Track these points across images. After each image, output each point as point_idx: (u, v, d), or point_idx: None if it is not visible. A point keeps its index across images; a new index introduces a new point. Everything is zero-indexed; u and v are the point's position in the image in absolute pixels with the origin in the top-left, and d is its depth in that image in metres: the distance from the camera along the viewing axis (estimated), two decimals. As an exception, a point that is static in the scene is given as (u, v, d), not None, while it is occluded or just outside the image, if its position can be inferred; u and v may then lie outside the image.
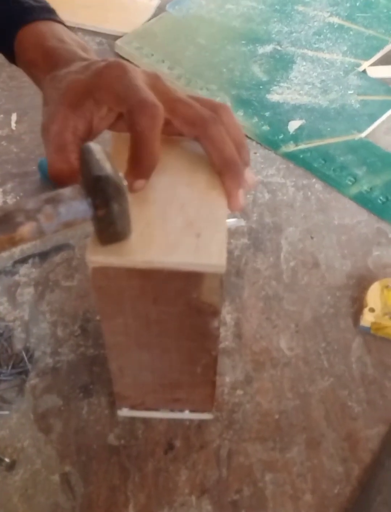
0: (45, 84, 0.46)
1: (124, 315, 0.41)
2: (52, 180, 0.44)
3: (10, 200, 0.67)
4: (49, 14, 0.51)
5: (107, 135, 0.51)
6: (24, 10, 0.50)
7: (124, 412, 0.51)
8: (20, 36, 0.49)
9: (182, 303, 0.39)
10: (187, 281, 0.37)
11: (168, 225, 0.38)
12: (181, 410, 0.51)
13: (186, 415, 0.51)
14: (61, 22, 0.51)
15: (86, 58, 0.46)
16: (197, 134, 0.42)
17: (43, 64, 0.47)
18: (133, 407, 0.50)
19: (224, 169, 0.41)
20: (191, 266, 0.36)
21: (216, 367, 0.45)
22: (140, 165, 0.40)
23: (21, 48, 0.50)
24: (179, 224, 0.39)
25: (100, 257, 0.36)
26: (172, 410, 0.51)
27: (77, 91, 0.43)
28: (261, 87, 0.82)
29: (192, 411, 0.51)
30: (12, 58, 0.52)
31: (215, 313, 0.40)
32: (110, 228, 0.36)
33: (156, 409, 0.51)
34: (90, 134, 0.44)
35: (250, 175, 0.44)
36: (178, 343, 0.43)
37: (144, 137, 0.40)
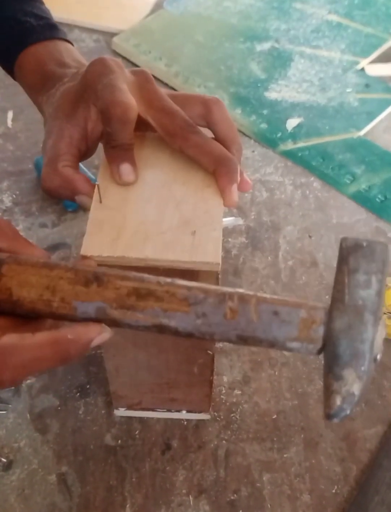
0: (43, 106, 0.46)
1: None
2: (46, 194, 0.45)
3: (6, 199, 0.67)
4: (51, 32, 0.50)
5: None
6: (25, 32, 0.49)
7: (121, 412, 0.51)
8: (20, 60, 0.49)
9: None
10: (183, 279, 0.37)
11: (164, 223, 0.38)
12: (178, 410, 0.50)
13: (183, 415, 0.51)
14: (63, 39, 0.50)
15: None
16: (179, 144, 0.41)
17: (41, 88, 0.47)
18: (129, 407, 0.50)
19: (217, 168, 0.41)
20: (187, 264, 0.36)
21: (213, 367, 0.45)
22: (110, 153, 0.41)
23: (21, 73, 0.50)
24: (175, 222, 0.39)
25: (95, 253, 0.36)
26: (169, 410, 0.50)
27: (69, 98, 0.43)
28: (259, 84, 0.82)
29: (189, 411, 0.51)
30: (13, 75, 0.52)
31: None
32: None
33: (153, 409, 0.50)
34: (87, 140, 0.44)
35: (242, 172, 0.43)
36: (175, 343, 0.43)
37: (114, 136, 0.41)
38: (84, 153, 0.44)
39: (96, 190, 0.40)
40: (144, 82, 0.43)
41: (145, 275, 0.33)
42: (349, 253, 0.32)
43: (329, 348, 0.31)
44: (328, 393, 0.30)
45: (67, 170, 0.43)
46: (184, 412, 0.51)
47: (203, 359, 0.44)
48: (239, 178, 0.41)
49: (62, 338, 0.31)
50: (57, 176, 0.43)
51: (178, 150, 0.42)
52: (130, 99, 0.41)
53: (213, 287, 0.33)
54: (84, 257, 0.36)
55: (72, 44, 0.52)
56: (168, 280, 0.33)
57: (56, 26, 0.51)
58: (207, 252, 0.37)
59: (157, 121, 0.42)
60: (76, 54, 0.50)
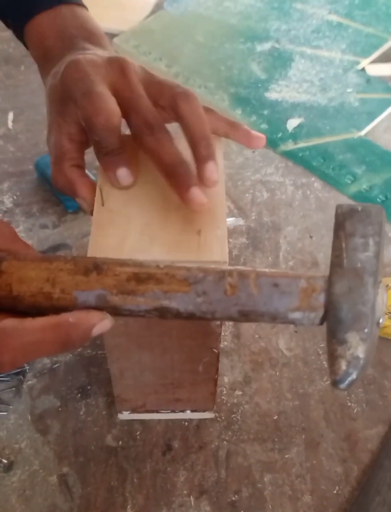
0: (45, 88, 0.45)
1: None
2: (58, 190, 0.45)
3: (7, 200, 0.67)
4: None
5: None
6: (29, 1, 0.47)
7: (125, 416, 0.51)
8: (26, 33, 0.48)
9: None
10: None
11: (168, 223, 0.38)
12: (182, 410, 0.50)
13: (188, 415, 0.51)
14: (73, 3, 0.48)
15: (76, 52, 0.44)
16: (137, 144, 0.41)
17: (44, 64, 0.46)
18: (134, 410, 0.50)
19: (168, 179, 0.39)
20: (193, 263, 0.36)
21: (218, 365, 0.45)
22: (104, 160, 0.41)
23: (29, 46, 0.49)
24: (179, 222, 0.39)
25: (101, 257, 0.36)
26: (173, 411, 0.50)
27: (56, 98, 0.43)
28: (259, 85, 0.82)
29: (193, 410, 0.51)
30: None
31: None
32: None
33: (157, 411, 0.50)
34: (85, 132, 0.43)
35: (210, 169, 0.40)
36: (180, 342, 0.43)
37: (102, 144, 0.40)
38: (87, 143, 0.44)
39: (98, 193, 0.40)
40: (119, 75, 0.41)
41: (144, 260, 0.33)
42: (345, 218, 0.32)
43: (331, 314, 0.31)
44: (332, 359, 0.30)
45: (71, 171, 0.43)
46: (188, 411, 0.51)
47: (208, 357, 0.44)
48: (207, 176, 0.39)
49: (64, 322, 0.31)
50: (62, 176, 0.43)
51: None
52: (110, 105, 0.40)
53: (212, 267, 0.33)
54: None
55: (84, 6, 0.49)
56: (167, 262, 0.33)
57: None
58: (214, 251, 0.37)
59: (126, 118, 0.41)
60: (83, 20, 0.47)
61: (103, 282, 0.32)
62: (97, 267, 0.33)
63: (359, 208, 0.32)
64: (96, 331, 0.32)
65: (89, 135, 0.41)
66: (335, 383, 0.30)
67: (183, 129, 0.41)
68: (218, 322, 0.41)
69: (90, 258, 0.34)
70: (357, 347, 0.30)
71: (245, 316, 0.32)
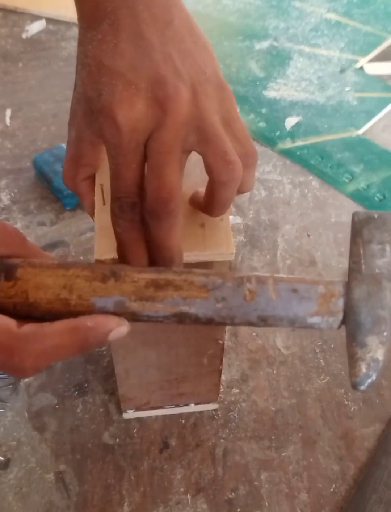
0: (78, 53, 0.37)
1: None
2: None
3: (4, 197, 0.67)
4: None
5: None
6: None
7: (130, 414, 0.51)
8: None
9: None
10: None
11: None
12: (187, 404, 0.50)
13: (192, 408, 0.51)
14: None
15: (119, 27, 0.34)
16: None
17: (89, 19, 0.37)
18: (138, 408, 0.50)
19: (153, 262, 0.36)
20: (201, 256, 0.36)
21: (222, 356, 0.45)
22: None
23: None
24: (181, 215, 0.39)
25: (109, 256, 0.36)
26: (177, 405, 0.50)
27: (88, 107, 0.36)
28: (257, 83, 0.82)
29: (197, 403, 0.51)
30: None
31: None
32: None
33: (162, 407, 0.50)
34: None
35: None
36: (185, 336, 0.43)
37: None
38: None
39: (98, 191, 0.40)
40: (162, 120, 0.33)
41: (161, 268, 0.34)
42: (362, 225, 0.33)
43: (350, 318, 0.31)
44: (353, 361, 0.31)
45: (83, 185, 0.40)
46: (192, 405, 0.51)
47: (213, 349, 0.44)
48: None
49: (82, 325, 0.31)
50: (71, 183, 0.41)
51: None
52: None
53: (229, 272, 0.33)
54: (99, 262, 0.36)
55: None
56: (185, 270, 0.33)
57: None
58: (220, 243, 0.37)
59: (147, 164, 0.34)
60: None
61: (121, 289, 0.32)
62: (115, 274, 0.33)
63: (376, 216, 0.33)
64: (112, 336, 0.32)
65: (111, 194, 0.35)
66: (355, 385, 0.31)
67: (207, 189, 0.36)
68: None
69: (107, 265, 0.34)
70: (376, 350, 0.31)
71: (264, 321, 0.33)
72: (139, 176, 0.34)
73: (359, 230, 0.33)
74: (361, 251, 0.32)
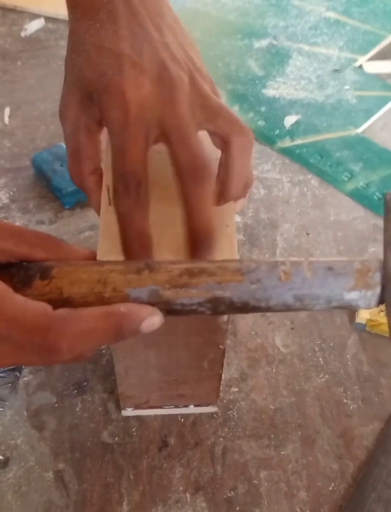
0: (68, 44, 0.39)
1: None
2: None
3: (3, 196, 0.67)
4: None
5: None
6: None
7: (128, 412, 0.51)
8: None
9: None
10: None
11: (176, 222, 0.38)
12: (186, 405, 0.50)
13: (191, 409, 0.51)
14: None
15: (117, 17, 0.37)
16: (178, 185, 0.37)
17: (85, 8, 0.38)
18: (137, 406, 0.50)
19: (191, 239, 0.36)
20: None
21: (223, 361, 0.45)
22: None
23: None
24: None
25: (112, 257, 0.36)
26: (176, 406, 0.50)
27: (86, 89, 0.37)
28: (257, 82, 0.82)
29: (196, 405, 0.51)
30: None
31: None
32: None
33: (161, 407, 0.50)
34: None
35: (239, 206, 0.41)
36: (187, 340, 0.43)
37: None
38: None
39: (104, 191, 0.39)
40: (169, 98, 0.36)
41: (195, 259, 0.34)
42: None
43: (389, 291, 0.31)
44: None
45: (89, 180, 0.40)
46: (191, 406, 0.51)
47: (213, 354, 0.44)
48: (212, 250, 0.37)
49: (115, 311, 0.31)
50: (78, 179, 0.41)
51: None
52: (136, 168, 0.35)
53: (263, 259, 0.34)
54: None
55: None
56: (219, 260, 0.34)
57: None
58: (223, 249, 0.37)
59: (170, 147, 0.36)
60: None
61: (155, 279, 0.32)
62: (149, 265, 0.33)
63: None
64: (145, 326, 0.32)
65: (114, 172, 0.36)
66: None
67: (225, 167, 0.39)
68: (226, 319, 0.41)
69: (141, 261, 0.34)
70: None
71: (300, 300, 0.32)
72: (144, 154, 0.35)
73: None
74: None
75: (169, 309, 0.33)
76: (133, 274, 0.33)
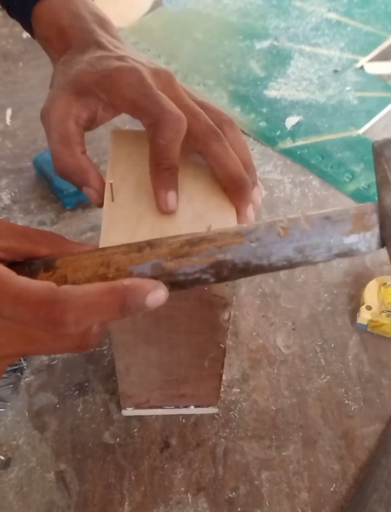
0: (57, 66, 0.45)
1: None
2: (58, 173, 0.43)
3: (5, 196, 0.67)
4: None
5: (102, 130, 0.51)
6: None
7: (129, 412, 0.51)
8: (36, 12, 0.47)
9: (193, 297, 0.39)
10: None
11: (178, 218, 0.39)
12: (186, 406, 0.50)
13: (192, 410, 0.51)
14: None
15: (101, 44, 0.44)
16: (199, 149, 0.41)
17: (58, 43, 0.46)
18: (137, 406, 0.50)
19: (229, 186, 0.40)
20: None
21: (223, 360, 0.45)
22: (162, 176, 0.40)
23: (37, 25, 0.48)
24: (189, 216, 0.39)
25: None
26: (177, 406, 0.50)
27: (84, 82, 0.42)
28: (258, 83, 0.82)
29: (197, 406, 0.51)
30: (32, 33, 0.50)
31: (226, 305, 0.40)
32: None
33: (161, 407, 0.50)
34: (93, 124, 0.43)
35: (256, 194, 0.43)
36: (187, 338, 0.43)
37: (167, 150, 0.40)
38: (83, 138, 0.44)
39: (107, 188, 0.40)
40: (168, 82, 0.42)
41: (195, 232, 0.34)
42: (382, 148, 0.35)
43: (388, 226, 0.32)
44: None
45: (84, 158, 0.42)
46: (192, 407, 0.51)
47: (214, 353, 0.44)
48: (253, 199, 0.41)
49: (118, 285, 0.31)
50: (74, 161, 0.42)
51: (197, 152, 0.41)
52: (177, 110, 0.40)
53: (260, 221, 0.34)
54: None
55: None
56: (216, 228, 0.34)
57: None
58: None
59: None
60: (92, 5, 0.48)
61: (157, 253, 0.33)
62: (150, 243, 0.34)
63: None
64: (150, 300, 0.31)
65: (155, 139, 0.40)
66: None
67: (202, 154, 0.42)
68: (227, 318, 0.41)
69: (142, 241, 0.34)
70: None
71: (302, 252, 0.33)
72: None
73: (380, 151, 0.35)
74: (386, 167, 0.34)
75: (172, 281, 0.33)
76: (135, 253, 0.33)
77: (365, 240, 0.33)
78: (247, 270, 0.33)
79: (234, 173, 0.40)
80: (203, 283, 0.33)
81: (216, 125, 0.42)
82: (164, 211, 0.39)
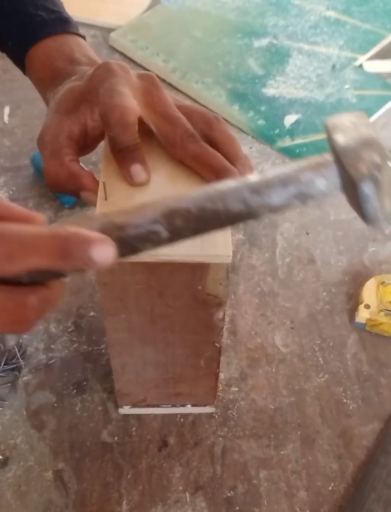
0: (50, 101, 0.46)
1: (129, 311, 0.40)
2: (50, 187, 0.45)
3: (3, 194, 0.66)
4: (63, 26, 0.50)
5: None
6: (36, 25, 0.50)
7: (125, 410, 0.51)
8: (31, 55, 0.49)
9: (187, 296, 0.39)
10: (193, 273, 0.37)
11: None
12: (183, 405, 0.50)
13: (188, 409, 0.51)
14: (75, 33, 0.51)
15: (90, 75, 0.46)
16: (179, 155, 0.41)
17: (51, 84, 0.47)
18: (134, 404, 0.50)
19: (217, 179, 0.39)
20: (198, 258, 0.36)
21: (219, 359, 0.45)
22: (120, 155, 0.41)
23: (31, 66, 0.50)
24: None
25: None
26: (174, 405, 0.50)
27: (73, 96, 0.43)
28: (257, 81, 0.82)
29: (194, 405, 0.51)
30: (24, 70, 0.52)
31: (220, 304, 0.40)
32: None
33: (158, 405, 0.50)
34: (86, 137, 0.44)
35: None
36: (183, 337, 0.43)
37: (118, 138, 0.41)
38: (82, 149, 0.44)
39: (101, 187, 0.40)
40: (150, 87, 0.43)
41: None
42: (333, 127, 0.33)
43: (340, 154, 0.31)
44: (354, 173, 0.31)
45: (73, 164, 0.43)
46: (189, 406, 0.51)
47: (210, 352, 0.44)
48: None
49: (60, 230, 0.29)
50: (63, 170, 0.43)
51: (179, 160, 0.41)
52: (129, 102, 0.41)
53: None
54: None
55: (84, 38, 0.51)
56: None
57: (68, 20, 0.51)
58: (217, 245, 0.37)
59: (158, 128, 0.42)
60: (87, 49, 0.50)
61: (108, 215, 0.31)
62: (105, 214, 0.32)
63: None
64: (97, 253, 0.29)
65: (105, 130, 0.42)
66: (358, 186, 0.32)
67: (218, 151, 0.42)
68: (221, 317, 0.41)
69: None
70: (372, 156, 0.31)
71: (257, 192, 0.31)
72: None
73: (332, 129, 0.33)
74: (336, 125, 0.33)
75: (123, 237, 0.30)
76: (87, 220, 0.31)
77: (322, 176, 0.32)
78: (203, 218, 0.31)
79: (217, 166, 0.40)
80: (156, 240, 0.31)
81: (203, 123, 0.42)
82: (132, 183, 0.40)
